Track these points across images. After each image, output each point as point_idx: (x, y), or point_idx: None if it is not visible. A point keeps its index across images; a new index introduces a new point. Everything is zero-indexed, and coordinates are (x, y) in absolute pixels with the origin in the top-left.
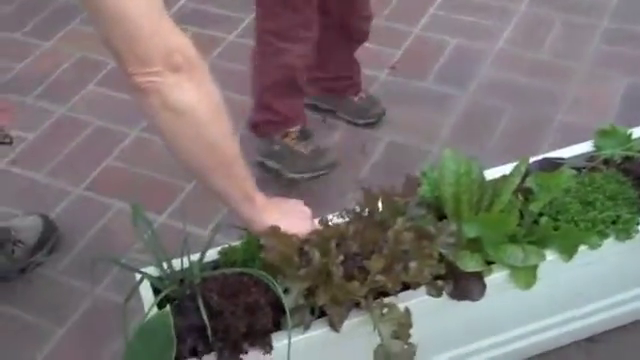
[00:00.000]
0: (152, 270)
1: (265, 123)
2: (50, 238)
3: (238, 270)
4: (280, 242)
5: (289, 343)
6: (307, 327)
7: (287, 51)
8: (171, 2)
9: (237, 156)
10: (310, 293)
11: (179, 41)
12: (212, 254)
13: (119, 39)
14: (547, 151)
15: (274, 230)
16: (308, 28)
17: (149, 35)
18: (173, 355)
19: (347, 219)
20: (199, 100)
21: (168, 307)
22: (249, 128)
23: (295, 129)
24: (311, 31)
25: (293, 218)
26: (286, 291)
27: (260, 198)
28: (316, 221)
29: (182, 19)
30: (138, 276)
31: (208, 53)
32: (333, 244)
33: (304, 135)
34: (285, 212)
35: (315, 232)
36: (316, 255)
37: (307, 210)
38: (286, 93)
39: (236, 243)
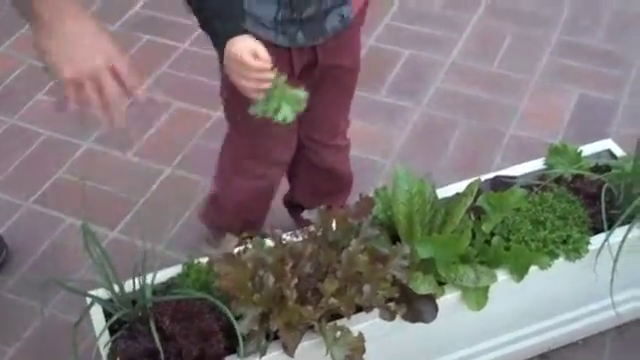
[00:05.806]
0: (102, 292)
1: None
2: None
3: (191, 294)
4: (234, 269)
5: None
6: (263, 353)
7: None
8: (126, 8)
9: None
10: (264, 317)
11: None
12: (166, 273)
13: None
14: (500, 165)
15: (228, 257)
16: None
17: None
18: None
19: (300, 238)
20: None
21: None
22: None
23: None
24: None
25: (77, 47)
26: (240, 317)
27: (55, 14)
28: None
29: (136, 26)
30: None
31: (160, 63)
32: (288, 267)
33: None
34: (70, 38)
35: (269, 251)
36: (270, 279)
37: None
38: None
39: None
